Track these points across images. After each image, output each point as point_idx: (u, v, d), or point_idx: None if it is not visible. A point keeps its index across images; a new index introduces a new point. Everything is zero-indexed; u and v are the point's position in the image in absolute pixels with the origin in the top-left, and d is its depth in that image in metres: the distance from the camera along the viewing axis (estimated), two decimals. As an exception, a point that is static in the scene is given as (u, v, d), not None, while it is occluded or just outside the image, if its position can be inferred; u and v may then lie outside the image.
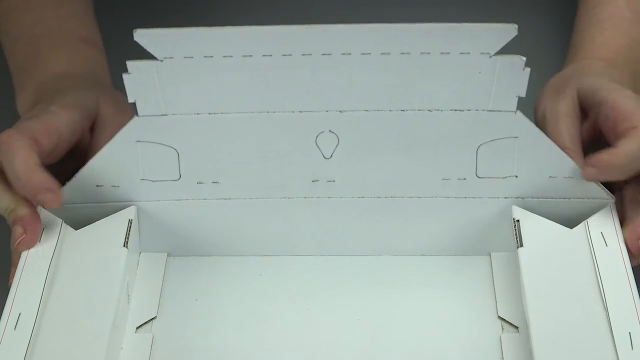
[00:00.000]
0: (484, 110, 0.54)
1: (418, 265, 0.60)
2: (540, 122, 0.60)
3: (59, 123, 0.57)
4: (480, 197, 0.58)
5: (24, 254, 0.55)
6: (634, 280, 0.53)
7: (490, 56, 0.52)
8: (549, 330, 0.51)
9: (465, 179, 0.57)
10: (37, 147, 0.55)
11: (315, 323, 0.57)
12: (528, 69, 0.53)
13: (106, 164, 0.56)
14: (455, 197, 0.58)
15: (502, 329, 0.56)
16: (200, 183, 0.58)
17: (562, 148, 0.57)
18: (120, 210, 0.58)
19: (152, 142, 0.56)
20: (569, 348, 0.50)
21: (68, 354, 0.50)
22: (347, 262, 0.60)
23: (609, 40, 0.66)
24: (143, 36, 0.51)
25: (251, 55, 0.52)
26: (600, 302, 0.52)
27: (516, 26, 0.51)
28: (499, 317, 0.57)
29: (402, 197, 0.58)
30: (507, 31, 0.51)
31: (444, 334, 0.56)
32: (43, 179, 0.54)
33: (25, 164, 0.54)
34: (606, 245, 0.55)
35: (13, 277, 0.54)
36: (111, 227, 0.57)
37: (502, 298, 0.58)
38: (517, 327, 0.56)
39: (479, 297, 0.58)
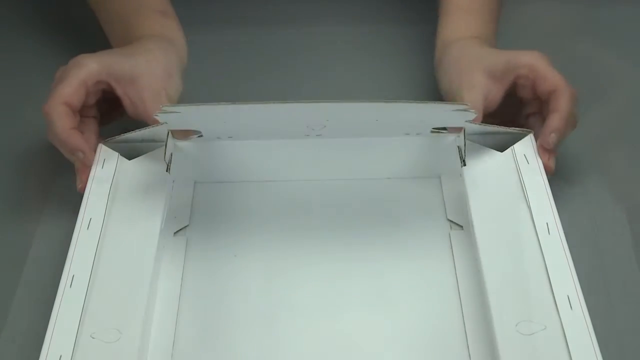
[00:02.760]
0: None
1: (384, 186, 0.70)
2: (451, 93, 0.70)
3: (84, 75, 0.66)
4: (433, 137, 0.67)
5: (90, 178, 0.65)
6: (549, 187, 0.62)
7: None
8: (487, 225, 0.60)
9: (421, 133, 0.67)
10: (70, 108, 0.66)
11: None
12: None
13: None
14: (414, 136, 0.67)
15: (451, 227, 0.66)
16: (219, 138, 0.68)
17: (478, 110, 0.65)
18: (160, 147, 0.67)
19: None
20: (501, 235, 0.59)
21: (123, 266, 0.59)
22: (327, 185, 0.70)
23: (468, 24, 0.75)
24: None
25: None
26: (524, 201, 0.62)
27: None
28: (448, 220, 0.67)
29: (371, 137, 0.68)
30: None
31: (398, 229, 0.65)
32: (76, 142, 0.66)
33: (63, 131, 0.66)
34: (528, 163, 0.65)
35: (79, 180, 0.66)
36: (157, 158, 0.66)
37: (450, 205, 0.67)
38: (462, 226, 0.66)
39: (431, 204, 0.67)
